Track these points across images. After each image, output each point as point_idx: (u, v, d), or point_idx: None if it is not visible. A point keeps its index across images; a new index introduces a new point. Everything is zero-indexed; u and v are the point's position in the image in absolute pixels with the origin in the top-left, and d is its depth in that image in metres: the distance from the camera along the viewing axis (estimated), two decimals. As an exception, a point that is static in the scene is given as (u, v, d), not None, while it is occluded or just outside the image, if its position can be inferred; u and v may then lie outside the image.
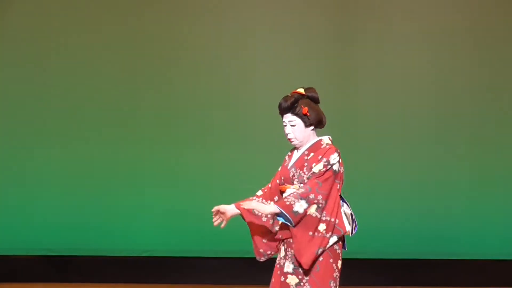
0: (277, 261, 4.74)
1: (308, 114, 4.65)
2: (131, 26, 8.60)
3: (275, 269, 4.74)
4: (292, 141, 4.70)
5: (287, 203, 4.50)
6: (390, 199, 8.51)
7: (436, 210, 8.52)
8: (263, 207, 4.56)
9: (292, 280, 4.63)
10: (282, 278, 4.66)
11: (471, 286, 8.36)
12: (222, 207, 4.60)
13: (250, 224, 4.68)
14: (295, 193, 4.53)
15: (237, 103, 8.52)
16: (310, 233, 4.53)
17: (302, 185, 4.61)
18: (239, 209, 4.60)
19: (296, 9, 8.60)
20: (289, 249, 4.65)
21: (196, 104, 8.59)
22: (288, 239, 4.65)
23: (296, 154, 4.75)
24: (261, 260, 4.77)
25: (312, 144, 4.69)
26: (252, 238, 4.73)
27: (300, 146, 4.72)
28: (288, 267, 4.65)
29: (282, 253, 4.70)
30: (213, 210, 4.64)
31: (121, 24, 8.60)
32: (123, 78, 8.64)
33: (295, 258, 4.60)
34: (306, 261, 4.53)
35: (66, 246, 8.56)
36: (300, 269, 4.61)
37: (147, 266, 8.59)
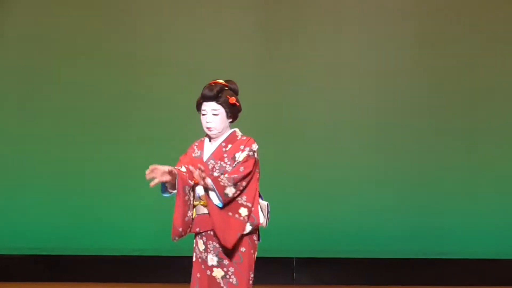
0: (197, 255, 4.69)
1: (238, 104, 4.69)
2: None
3: (196, 264, 4.69)
4: (211, 130, 4.67)
5: (221, 183, 4.50)
6: (382, 199, 8.41)
7: (427, 209, 8.40)
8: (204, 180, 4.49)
9: (218, 273, 4.61)
10: (208, 272, 4.63)
11: (463, 285, 8.26)
12: (160, 167, 4.48)
13: (177, 199, 4.60)
14: (228, 177, 4.53)
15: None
16: (230, 213, 4.54)
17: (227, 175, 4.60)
18: (177, 172, 4.52)
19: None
20: (210, 242, 4.62)
21: (190, 104, 8.54)
22: (208, 232, 4.61)
23: (211, 146, 4.73)
24: (175, 241, 4.66)
25: (228, 136, 4.71)
26: (176, 215, 4.61)
27: (215, 137, 4.71)
28: (212, 260, 4.62)
29: (202, 247, 4.65)
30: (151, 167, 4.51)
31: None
32: (117, 85, 8.67)
33: (219, 250, 4.59)
34: (230, 241, 4.52)
35: (56, 245, 8.57)
36: (224, 261, 4.59)
37: (137, 265, 8.55)
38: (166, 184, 4.58)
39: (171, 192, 4.63)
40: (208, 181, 4.49)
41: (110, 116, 8.62)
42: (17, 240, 8.59)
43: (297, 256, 8.41)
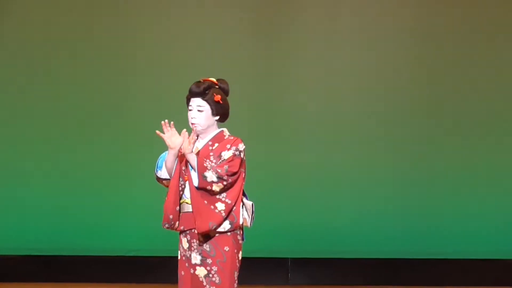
0: (181, 253, 4.71)
1: (221, 102, 4.66)
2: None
3: (181, 262, 4.71)
4: (195, 126, 4.64)
5: (204, 164, 4.53)
6: (381, 199, 8.38)
7: (427, 209, 8.36)
8: (190, 151, 4.52)
9: (201, 271, 4.60)
10: (192, 270, 4.63)
11: (463, 285, 8.24)
12: (181, 136, 4.54)
13: (171, 184, 4.63)
14: (213, 166, 4.54)
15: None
16: (206, 202, 4.53)
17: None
18: (179, 158, 4.57)
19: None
20: (194, 240, 4.61)
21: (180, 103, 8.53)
22: (192, 230, 4.60)
23: (198, 144, 4.71)
24: (165, 227, 4.67)
25: (215, 135, 4.70)
26: (167, 202, 4.62)
27: (202, 135, 4.70)
28: (196, 258, 4.62)
29: (186, 245, 4.67)
30: (172, 124, 4.58)
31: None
32: (112, 85, 8.66)
33: (202, 249, 4.59)
34: (201, 227, 4.52)
35: (52, 246, 8.57)
36: (208, 260, 4.58)
37: (133, 265, 8.55)
38: (164, 163, 4.64)
39: (162, 178, 4.68)
40: (193, 155, 4.51)
41: (106, 116, 8.60)
42: (14, 241, 8.59)
43: (292, 257, 8.39)
